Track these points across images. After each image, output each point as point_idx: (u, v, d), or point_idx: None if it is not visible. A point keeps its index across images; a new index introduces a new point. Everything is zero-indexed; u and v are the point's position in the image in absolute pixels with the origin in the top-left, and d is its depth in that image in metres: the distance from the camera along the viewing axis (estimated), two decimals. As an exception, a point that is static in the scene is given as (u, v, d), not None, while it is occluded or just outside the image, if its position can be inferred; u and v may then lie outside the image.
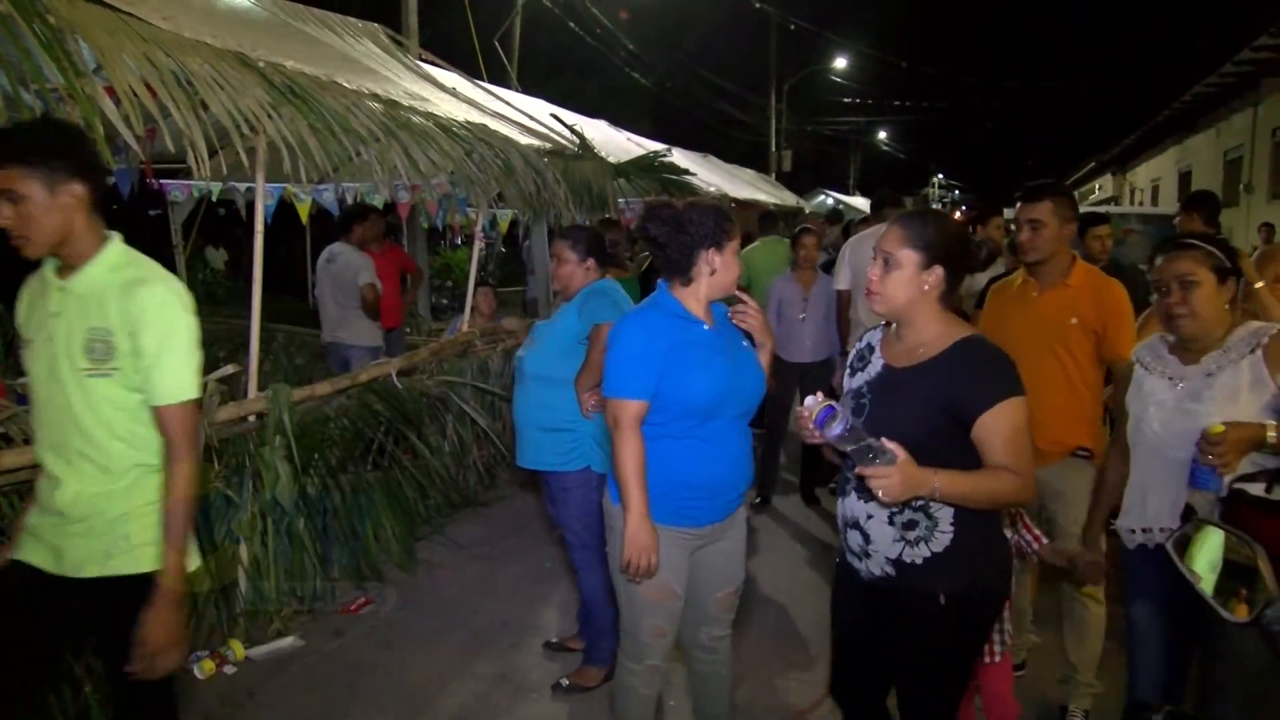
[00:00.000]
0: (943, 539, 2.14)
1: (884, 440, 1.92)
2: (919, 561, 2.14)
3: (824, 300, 6.02)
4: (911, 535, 2.15)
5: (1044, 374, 3.21)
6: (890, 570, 2.17)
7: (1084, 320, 3.29)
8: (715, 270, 2.73)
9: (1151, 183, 26.84)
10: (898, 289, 2.19)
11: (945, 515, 2.14)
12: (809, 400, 1.95)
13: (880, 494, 1.92)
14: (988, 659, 2.86)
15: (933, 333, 2.22)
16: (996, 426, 2.06)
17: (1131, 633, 2.65)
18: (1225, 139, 18.17)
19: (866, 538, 2.22)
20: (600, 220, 6.57)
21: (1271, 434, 2.23)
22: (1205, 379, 2.46)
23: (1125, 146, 27.36)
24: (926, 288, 2.18)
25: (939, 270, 2.18)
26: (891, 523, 2.17)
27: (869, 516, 2.21)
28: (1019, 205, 3.41)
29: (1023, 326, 3.37)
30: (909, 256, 2.17)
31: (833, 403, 1.91)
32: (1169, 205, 19.14)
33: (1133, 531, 2.64)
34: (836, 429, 1.88)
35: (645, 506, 2.59)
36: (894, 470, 1.90)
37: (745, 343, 2.83)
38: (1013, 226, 3.57)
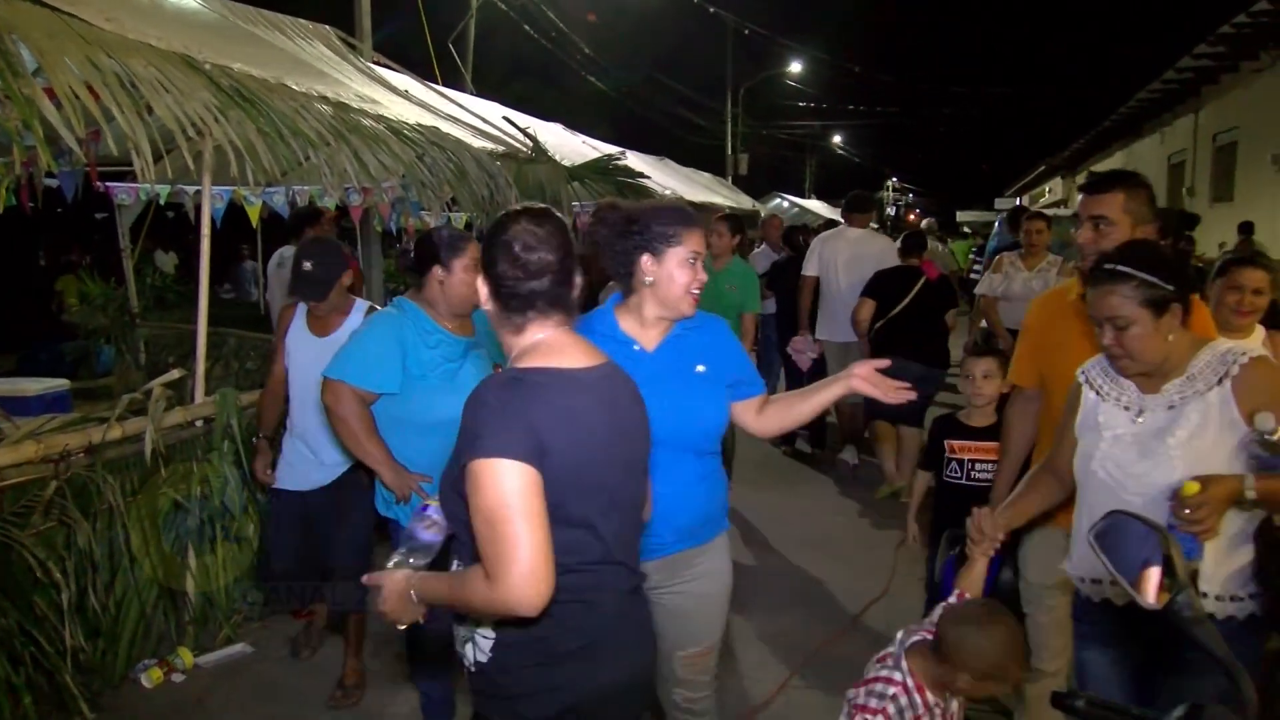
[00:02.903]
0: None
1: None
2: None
3: None
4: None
5: None
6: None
7: None
8: (653, 281, 2.41)
9: (1099, 186, 27.31)
10: None
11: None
12: None
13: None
14: None
15: None
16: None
17: (1080, 681, 2.43)
18: (1170, 143, 18.62)
19: None
20: None
21: (1250, 490, 1.94)
22: (1168, 412, 2.15)
23: (1075, 150, 27.92)
24: None
25: None
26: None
27: None
28: (1081, 198, 2.77)
29: (1080, 358, 2.58)
30: None
31: None
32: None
33: (1082, 580, 2.36)
34: None
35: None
36: None
37: (701, 367, 2.51)
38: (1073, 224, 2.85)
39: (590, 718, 1.84)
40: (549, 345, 1.86)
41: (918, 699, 2.11)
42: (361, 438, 3.02)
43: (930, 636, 2.17)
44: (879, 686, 2.14)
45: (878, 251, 6.86)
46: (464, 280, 3.05)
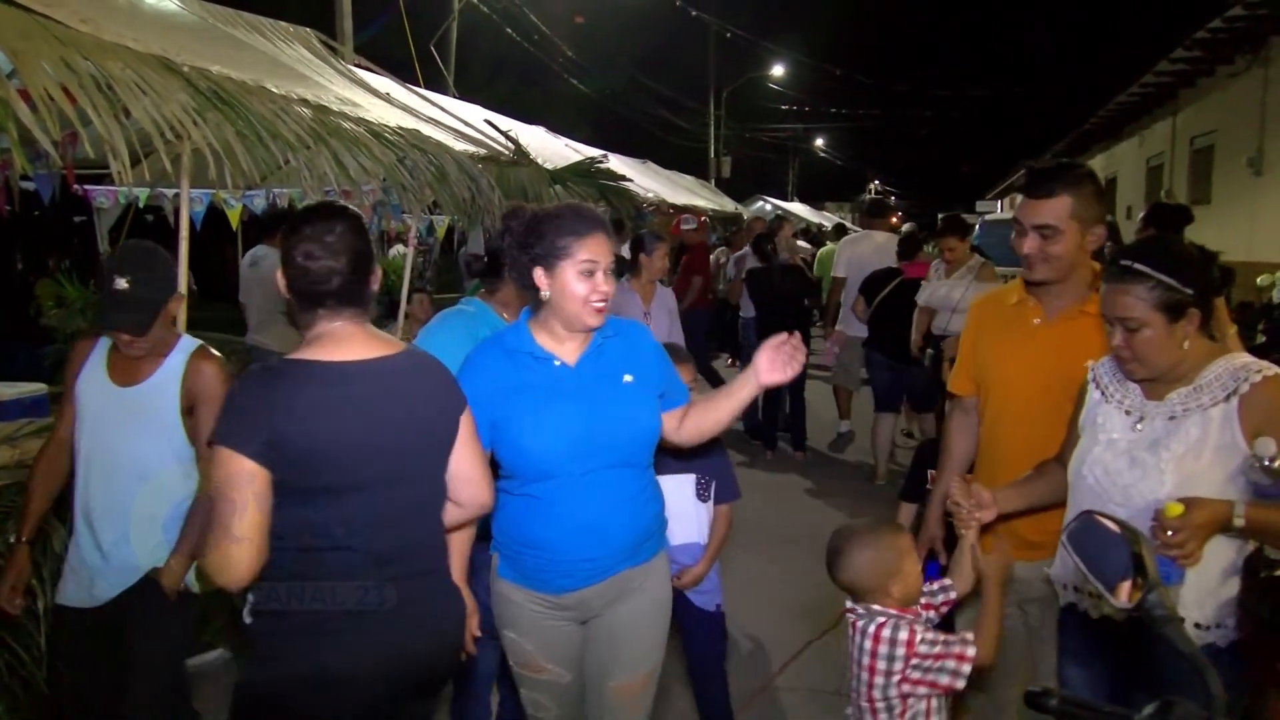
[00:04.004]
0: None
1: None
2: None
3: (665, 315, 5.66)
4: None
5: (1041, 434, 2.43)
6: None
7: None
8: (550, 295, 2.29)
9: (1079, 189, 27.53)
10: None
11: None
12: None
13: None
14: None
15: None
16: None
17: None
18: (1148, 146, 18.78)
19: None
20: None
21: (1238, 518, 1.83)
22: (1167, 423, 2.01)
23: (1054, 153, 28.07)
24: None
25: None
26: None
27: None
28: (1020, 201, 2.51)
29: (1018, 365, 2.56)
30: None
31: None
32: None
33: (1064, 587, 2.27)
34: None
35: None
36: None
37: (629, 377, 2.38)
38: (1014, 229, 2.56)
39: (325, 692, 1.93)
40: (330, 337, 1.99)
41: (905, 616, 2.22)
42: None
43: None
44: (886, 633, 2.17)
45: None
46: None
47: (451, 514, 2.21)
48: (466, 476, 2.17)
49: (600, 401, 2.33)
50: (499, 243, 3.09)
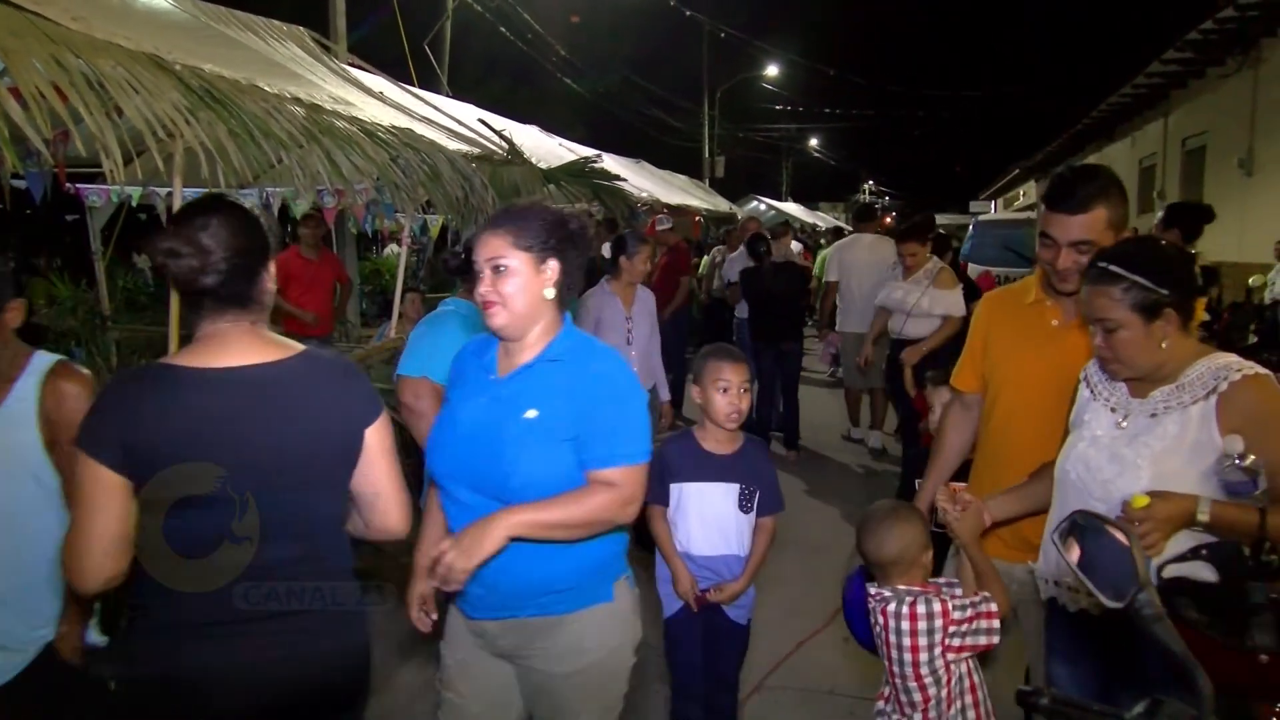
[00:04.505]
0: None
1: None
2: None
3: (647, 320, 5.35)
4: None
5: (1056, 436, 2.37)
6: None
7: None
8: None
9: (1072, 189, 27.61)
10: None
11: None
12: None
13: None
14: None
15: None
16: None
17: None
18: (1140, 147, 18.84)
19: None
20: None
21: (1203, 514, 1.86)
22: (1148, 420, 2.04)
23: (1047, 153, 28.15)
24: None
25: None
26: None
27: None
28: (1045, 214, 2.42)
29: (1037, 366, 2.54)
30: None
31: None
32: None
33: (1046, 582, 2.30)
34: None
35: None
36: None
37: (533, 412, 2.09)
38: (1040, 240, 2.47)
39: (180, 700, 1.87)
40: (212, 339, 1.90)
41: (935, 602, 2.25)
42: None
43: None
44: (921, 608, 2.22)
45: (891, 257, 7.58)
46: None
47: (366, 533, 2.09)
48: (368, 497, 2.02)
49: (488, 427, 2.12)
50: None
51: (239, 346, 1.90)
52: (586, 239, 2.25)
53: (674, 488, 3.06)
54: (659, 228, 9.60)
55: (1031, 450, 2.52)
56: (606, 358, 2.21)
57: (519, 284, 2.11)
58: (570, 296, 2.26)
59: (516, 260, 2.11)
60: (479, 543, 1.95)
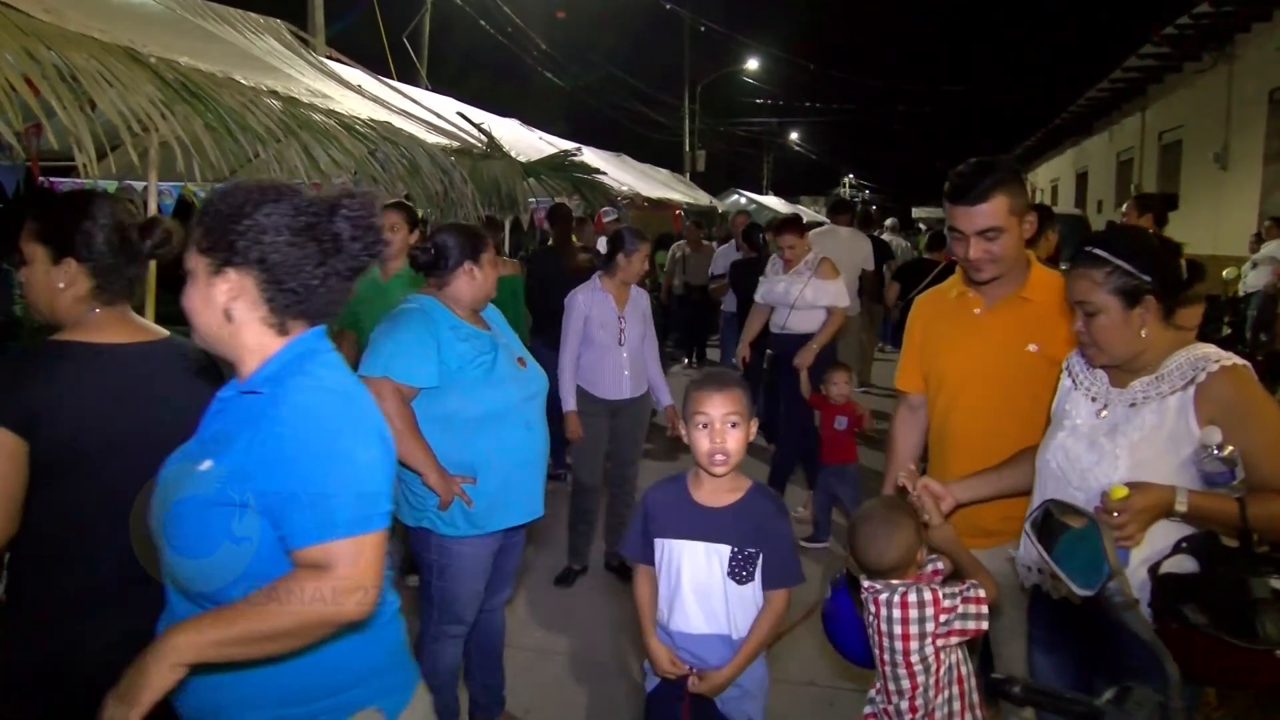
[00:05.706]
0: None
1: None
2: None
3: (640, 320, 5.06)
4: None
5: (992, 424, 2.49)
6: None
7: (1047, 347, 2.46)
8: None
9: (1051, 182, 27.93)
10: None
11: None
12: None
13: None
14: None
15: None
16: None
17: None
18: (1118, 141, 19.00)
19: None
20: (485, 220, 6.59)
21: (1180, 504, 1.86)
22: (1127, 410, 2.06)
23: (1026, 148, 28.38)
24: None
25: None
26: None
27: None
28: (950, 208, 2.49)
29: (962, 357, 2.60)
30: None
31: None
32: (1068, 205, 19.93)
33: (1028, 569, 2.31)
34: None
35: None
36: None
37: (208, 464, 1.56)
38: (947, 232, 2.61)
39: (61, 677, 1.89)
40: (90, 321, 2.07)
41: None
42: (407, 437, 2.87)
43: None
44: (912, 598, 2.21)
45: (865, 249, 8.47)
46: (491, 275, 3.11)
47: None
48: None
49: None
50: (443, 237, 3.00)
51: (116, 327, 2.10)
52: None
53: (657, 544, 2.50)
54: (605, 220, 9.54)
55: (971, 438, 2.60)
56: (315, 386, 1.58)
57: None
58: (290, 300, 1.63)
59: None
60: (135, 686, 1.43)
